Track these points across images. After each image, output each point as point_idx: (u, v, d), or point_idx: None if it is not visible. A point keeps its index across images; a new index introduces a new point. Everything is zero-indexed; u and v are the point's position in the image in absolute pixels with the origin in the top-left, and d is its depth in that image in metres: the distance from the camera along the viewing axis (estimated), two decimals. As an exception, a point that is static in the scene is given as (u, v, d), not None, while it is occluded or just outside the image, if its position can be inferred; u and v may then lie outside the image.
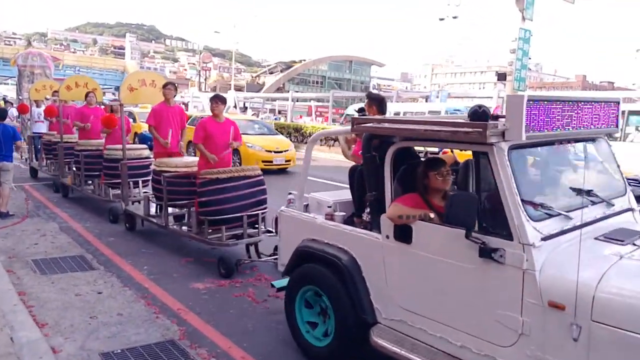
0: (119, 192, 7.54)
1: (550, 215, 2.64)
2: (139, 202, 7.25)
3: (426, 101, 30.16)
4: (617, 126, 3.25)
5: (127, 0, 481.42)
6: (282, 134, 18.63)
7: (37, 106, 12.05)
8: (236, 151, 11.26)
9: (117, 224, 7.29)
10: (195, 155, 11.59)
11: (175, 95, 6.88)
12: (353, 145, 4.52)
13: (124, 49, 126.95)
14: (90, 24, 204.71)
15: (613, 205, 3.02)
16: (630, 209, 3.19)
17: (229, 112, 18.94)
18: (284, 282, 3.85)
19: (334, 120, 24.89)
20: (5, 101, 20.85)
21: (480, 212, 2.58)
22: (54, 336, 3.75)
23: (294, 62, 76.68)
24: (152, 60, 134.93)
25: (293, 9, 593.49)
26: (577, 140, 3.15)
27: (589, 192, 2.86)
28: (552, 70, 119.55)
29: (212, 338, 3.84)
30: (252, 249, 5.61)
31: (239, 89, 54.93)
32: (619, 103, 3.25)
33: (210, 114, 6.03)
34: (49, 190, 9.81)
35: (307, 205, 4.08)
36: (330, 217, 3.56)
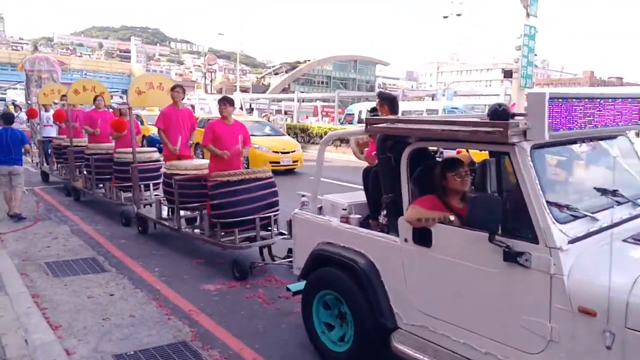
0: (130, 195, 7.55)
1: (576, 217, 2.56)
2: (151, 205, 7.24)
3: (432, 99, 29.99)
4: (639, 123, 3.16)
5: (132, 4, 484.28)
6: (289, 134, 18.61)
7: (46, 110, 12.10)
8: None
9: (130, 227, 7.29)
10: (202, 158, 11.63)
11: (183, 98, 6.85)
12: (366, 149, 4.45)
13: (129, 52, 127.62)
14: (95, 28, 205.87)
15: (639, 205, 2.93)
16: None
17: (235, 114, 18.92)
18: (300, 285, 3.79)
19: (340, 121, 24.80)
20: (15, 105, 20.98)
21: (503, 215, 2.50)
22: (67, 338, 3.79)
23: (299, 62, 76.63)
24: (158, 63, 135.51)
25: (295, 9, 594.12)
26: (599, 139, 3.06)
27: (614, 192, 2.78)
28: (559, 66, 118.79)
29: (224, 339, 3.85)
30: (265, 251, 5.57)
31: (244, 90, 54.95)
32: (641, 99, 3.16)
33: (218, 116, 5.99)
34: (60, 194, 9.85)
35: (320, 208, 4.02)
36: (345, 219, 3.50)
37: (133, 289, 4.84)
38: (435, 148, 3.63)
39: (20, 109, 18.58)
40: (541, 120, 2.39)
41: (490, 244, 2.48)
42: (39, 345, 3.55)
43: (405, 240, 2.97)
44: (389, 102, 4.17)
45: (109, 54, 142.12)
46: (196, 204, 6.04)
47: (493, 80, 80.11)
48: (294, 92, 43.93)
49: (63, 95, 10.35)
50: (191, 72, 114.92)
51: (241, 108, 29.75)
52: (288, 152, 13.30)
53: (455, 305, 2.78)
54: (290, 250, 5.40)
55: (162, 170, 6.74)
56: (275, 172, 5.75)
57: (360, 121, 22.26)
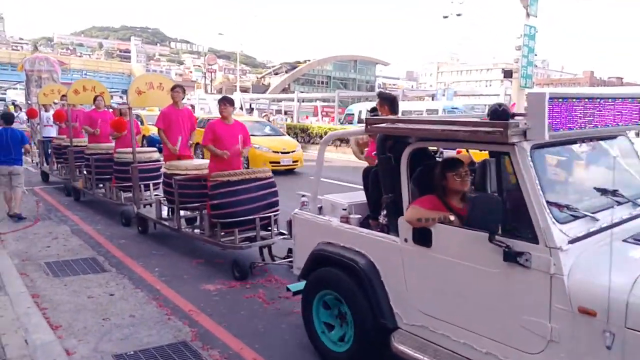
0: (130, 195, 7.55)
1: (576, 217, 2.56)
2: (151, 205, 7.24)
3: (432, 99, 29.98)
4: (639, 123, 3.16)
5: (132, 4, 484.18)
6: (289, 134, 18.61)
7: (46, 110, 12.10)
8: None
9: (130, 227, 7.29)
10: (202, 157, 11.62)
11: (183, 98, 6.85)
12: (366, 149, 4.45)
13: (129, 52, 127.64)
14: (95, 28, 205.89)
15: (639, 205, 2.93)
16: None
17: (235, 114, 18.92)
18: (300, 285, 3.79)
19: (340, 121, 24.82)
20: (15, 105, 20.98)
21: (503, 215, 2.50)
22: (67, 338, 3.79)
23: (299, 62, 76.64)
24: (158, 63, 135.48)
25: (295, 9, 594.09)
26: (599, 139, 3.06)
27: (614, 192, 2.78)
28: (559, 66, 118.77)
29: (224, 339, 3.86)
30: (265, 251, 5.57)
31: (244, 90, 54.94)
32: (641, 99, 3.16)
33: (218, 116, 5.99)
34: (60, 194, 9.85)
35: (320, 208, 4.02)
36: (345, 219, 3.50)
37: (133, 289, 4.85)
38: (435, 148, 3.63)
39: (21, 109, 18.58)
40: (541, 120, 2.39)
41: (490, 244, 2.48)
42: (39, 345, 3.56)
43: (405, 240, 2.97)
44: (389, 102, 4.17)
45: (109, 54, 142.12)
46: (196, 204, 6.03)
47: (493, 80, 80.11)
48: (294, 92, 43.95)
49: (63, 95, 10.35)
50: (191, 72, 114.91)
51: (241, 108, 29.75)
52: (288, 152, 13.32)
53: (455, 306, 2.78)
54: (290, 250, 5.40)
55: (162, 170, 6.74)
56: (275, 172, 5.75)
57: (360, 121, 22.27)
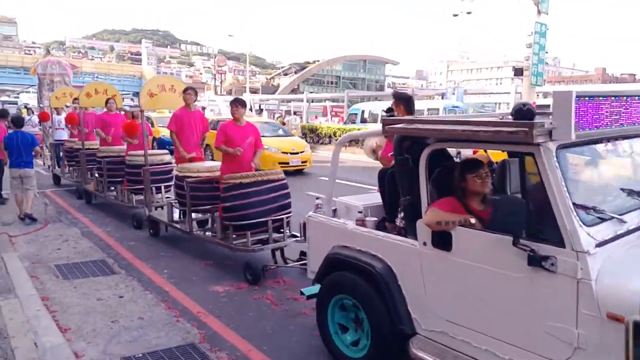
0: (141, 197, 7.53)
1: (603, 219, 2.46)
2: (162, 207, 7.22)
3: (442, 98, 29.78)
4: None
5: (142, 7, 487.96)
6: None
7: (58, 114, 12.17)
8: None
9: (141, 229, 7.27)
10: (212, 159, 11.61)
11: (195, 100, 6.82)
12: (380, 151, 4.36)
13: (140, 55, 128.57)
14: (106, 31, 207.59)
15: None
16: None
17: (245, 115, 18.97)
18: (314, 289, 3.73)
19: (344, 122, 24.81)
20: (27, 109, 21.16)
21: (527, 217, 2.42)
22: (76, 341, 3.79)
23: (308, 63, 76.65)
24: (169, 65, 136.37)
25: (305, 9, 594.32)
26: (624, 137, 2.96)
27: (641, 193, 2.68)
28: (571, 64, 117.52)
29: (232, 341, 3.84)
30: (277, 254, 5.51)
31: (254, 91, 55.10)
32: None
33: (228, 117, 5.95)
34: (71, 197, 9.88)
35: (334, 210, 3.95)
36: (361, 222, 3.42)
37: (142, 291, 4.85)
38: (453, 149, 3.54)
39: (33, 112, 18.73)
40: (567, 120, 2.30)
41: (514, 247, 2.40)
42: (49, 348, 3.57)
43: (424, 243, 2.89)
44: (404, 101, 4.09)
45: (120, 56, 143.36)
46: (208, 207, 5.99)
47: (503, 78, 79.45)
48: (303, 92, 43.95)
49: (75, 99, 10.40)
50: (201, 73, 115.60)
51: (250, 109, 29.81)
52: (297, 153, 13.30)
53: (476, 311, 2.70)
54: (302, 253, 5.35)
55: (174, 172, 6.71)
56: (284, 173, 5.71)
57: (363, 120, 22.39)
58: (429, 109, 19.49)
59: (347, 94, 31.64)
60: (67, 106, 11.80)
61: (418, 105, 22.04)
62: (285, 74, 76.74)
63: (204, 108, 23.31)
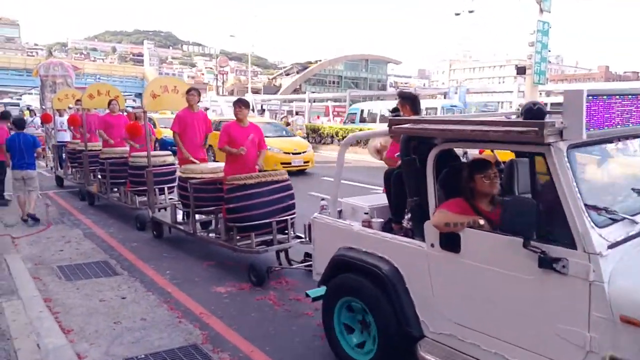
0: (145, 199, 7.51)
1: (615, 220, 2.42)
2: (165, 209, 7.19)
3: (445, 97, 29.70)
4: None
5: (144, 8, 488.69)
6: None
7: (60, 115, 12.15)
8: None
9: (144, 231, 7.25)
10: (214, 160, 11.58)
11: (198, 101, 6.79)
12: (385, 152, 4.32)
13: (142, 56, 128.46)
14: (108, 33, 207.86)
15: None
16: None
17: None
18: (320, 291, 3.68)
19: (344, 122, 24.88)
20: (30, 110, 21.20)
21: (538, 219, 2.37)
22: (79, 342, 3.79)
23: (310, 62, 76.63)
24: (171, 66, 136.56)
25: (307, 9, 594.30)
26: (635, 137, 2.91)
27: (653, 193, 2.64)
28: (573, 62, 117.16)
29: (234, 342, 3.83)
30: (282, 255, 5.48)
31: (256, 91, 55.08)
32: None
33: (232, 118, 5.92)
34: (73, 198, 9.88)
35: (340, 211, 3.91)
36: (367, 224, 3.38)
37: (144, 292, 4.84)
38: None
39: (35, 113, 18.76)
40: (579, 119, 2.26)
41: (524, 249, 2.37)
42: (51, 349, 3.57)
43: (432, 245, 2.85)
44: (410, 101, 4.04)
45: (122, 57, 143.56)
46: (212, 208, 5.96)
47: (506, 77, 79.26)
48: (305, 92, 43.93)
49: (77, 100, 10.39)
50: (203, 74, 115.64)
51: (252, 110, 29.80)
52: (299, 153, 13.30)
53: (486, 313, 2.66)
54: (307, 254, 5.32)
55: (177, 174, 6.69)
56: (287, 173, 5.67)
57: (362, 120, 22.48)
58: (427, 108, 19.44)
59: (349, 94, 31.58)
60: (69, 107, 11.79)
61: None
62: (287, 74, 76.75)
63: (207, 109, 23.30)
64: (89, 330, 3.99)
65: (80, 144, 9.93)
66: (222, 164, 6.09)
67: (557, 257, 2.32)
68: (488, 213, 2.79)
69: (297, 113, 38.78)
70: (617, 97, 2.49)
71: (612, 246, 2.30)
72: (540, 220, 2.38)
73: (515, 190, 2.93)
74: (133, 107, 12.08)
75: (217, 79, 67.34)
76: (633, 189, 2.70)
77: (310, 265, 4.92)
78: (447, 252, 2.78)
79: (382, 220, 3.44)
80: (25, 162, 7.55)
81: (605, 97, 2.40)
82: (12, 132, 8.05)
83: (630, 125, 2.60)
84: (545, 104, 2.88)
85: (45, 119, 13.36)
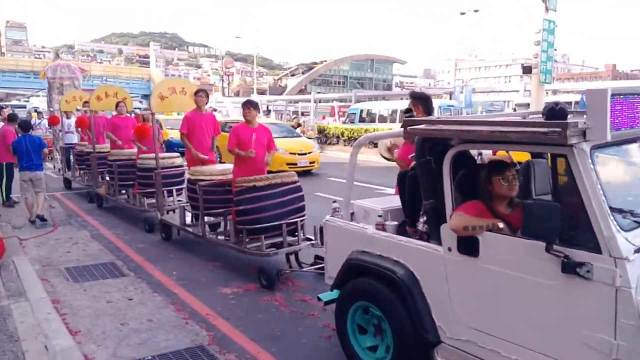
0: (153, 201, 7.48)
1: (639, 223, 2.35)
2: (174, 211, 7.16)
3: (450, 97, 29.57)
4: None
5: (150, 10, 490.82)
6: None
7: (68, 117, 12.18)
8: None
9: (153, 233, 7.22)
10: (220, 161, 11.54)
11: (207, 103, 6.75)
12: (396, 150, 4.26)
13: (148, 57, 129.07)
14: (115, 35, 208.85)
15: None
16: None
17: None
18: (332, 295, 3.63)
19: (344, 121, 25.01)
20: (38, 113, 21.30)
21: (561, 222, 2.30)
22: (86, 343, 3.79)
23: (315, 63, 76.65)
24: (176, 68, 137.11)
25: (312, 9, 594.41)
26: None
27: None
28: (580, 60, 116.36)
29: (241, 343, 3.82)
30: (292, 258, 5.43)
31: (261, 92, 55.15)
32: None
33: (238, 119, 5.87)
34: (81, 200, 9.89)
35: (352, 214, 3.85)
36: (381, 227, 3.32)
37: (151, 293, 4.84)
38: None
39: (43, 116, 18.83)
40: (603, 120, 2.19)
41: (546, 254, 2.29)
42: (59, 351, 3.57)
43: (449, 249, 2.79)
44: (422, 101, 3.98)
45: (129, 59, 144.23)
46: (221, 210, 5.91)
47: (512, 76, 78.87)
48: (310, 93, 43.90)
49: (85, 102, 10.39)
50: (209, 75, 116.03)
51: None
52: (305, 154, 13.26)
53: (506, 319, 2.59)
54: (317, 257, 5.26)
55: (186, 175, 6.65)
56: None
57: (362, 120, 22.61)
58: None
59: (355, 94, 31.54)
60: (77, 109, 11.80)
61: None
62: (293, 75, 76.80)
63: (215, 110, 23.34)
64: (96, 332, 3.99)
65: (88, 146, 9.93)
66: (230, 166, 6.04)
67: (581, 262, 2.24)
68: (507, 216, 2.72)
69: (302, 114, 38.79)
70: (642, 96, 2.41)
71: (638, 250, 2.22)
72: (563, 224, 2.31)
73: (533, 192, 2.85)
74: (141, 109, 12.06)
75: (222, 80, 67.55)
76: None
77: (320, 268, 4.86)
78: (465, 256, 2.71)
79: (396, 223, 3.38)
80: (33, 163, 7.61)
81: (629, 95, 2.34)
82: (19, 135, 8.07)
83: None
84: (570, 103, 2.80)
85: (53, 121, 13.39)
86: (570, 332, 2.33)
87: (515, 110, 25.81)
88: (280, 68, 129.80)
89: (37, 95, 38.37)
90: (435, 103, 20.79)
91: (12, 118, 9.01)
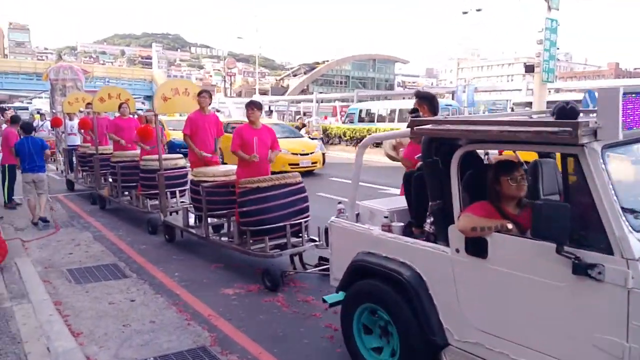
0: (156, 202, 7.46)
1: (653, 224, 2.30)
2: (177, 212, 7.14)
3: (452, 96, 29.50)
4: None
5: (152, 11, 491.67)
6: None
7: (70, 119, 12.18)
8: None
9: (156, 234, 7.20)
10: (222, 162, 11.52)
11: (210, 103, 6.72)
12: (402, 149, 4.22)
13: (151, 58, 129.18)
14: (117, 36, 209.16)
15: None
16: None
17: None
18: (337, 297, 3.59)
19: (343, 121, 25.11)
20: (40, 114, 21.32)
21: (571, 223, 2.26)
22: (88, 345, 3.78)
23: (317, 63, 76.59)
24: (179, 69, 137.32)
25: (314, 9, 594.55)
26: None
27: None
28: (583, 59, 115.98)
29: (243, 344, 3.82)
30: (296, 259, 5.40)
31: (263, 92, 55.22)
32: None
33: (240, 120, 5.85)
34: (83, 201, 9.88)
35: (357, 215, 3.82)
36: (387, 228, 3.28)
37: (153, 295, 4.84)
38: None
39: (46, 117, 18.84)
40: (614, 119, 2.15)
41: (556, 255, 2.26)
42: (61, 352, 3.57)
43: (457, 250, 2.75)
44: (427, 101, 3.94)
45: (131, 60, 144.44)
46: (224, 211, 5.89)
47: (515, 75, 78.69)
48: (312, 93, 43.89)
49: (88, 103, 10.39)
50: (211, 76, 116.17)
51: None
52: (307, 154, 13.24)
53: (515, 321, 2.55)
54: (321, 258, 5.23)
55: (189, 177, 6.63)
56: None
57: (361, 120, 22.66)
58: None
59: (357, 94, 31.51)
60: (80, 111, 11.80)
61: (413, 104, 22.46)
62: (295, 75, 76.78)
63: (218, 111, 23.37)
64: (98, 333, 3.98)
65: (90, 148, 9.93)
66: (234, 167, 6.02)
67: (592, 263, 2.21)
68: (515, 216, 2.68)
69: (304, 114, 38.77)
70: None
71: (651, 251, 2.18)
72: (573, 225, 2.28)
73: (541, 192, 2.82)
74: (144, 110, 12.05)
75: (224, 81, 67.51)
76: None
77: (325, 270, 4.84)
78: (473, 257, 2.67)
79: (402, 224, 3.34)
80: (36, 165, 7.62)
81: (640, 94, 2.29)
82: (21, 136, 8.07)
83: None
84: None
85: (56, 123, 13.40)
86: (580, 334, 2.29)
87: (512, 110, 25.76)
88: (283, 68, 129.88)
89: (39, 97, 38.46)
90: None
91: (14, 120, 9.02)
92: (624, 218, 2.18)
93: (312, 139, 16.15)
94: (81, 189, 10.77)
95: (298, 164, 12.61)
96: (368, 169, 12.44)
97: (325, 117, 34.66)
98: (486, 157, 3.50)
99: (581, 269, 2.23)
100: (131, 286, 5.06)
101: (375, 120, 22.17)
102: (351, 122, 22.93)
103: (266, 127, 5.88)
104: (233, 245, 5.63)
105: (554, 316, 2.39)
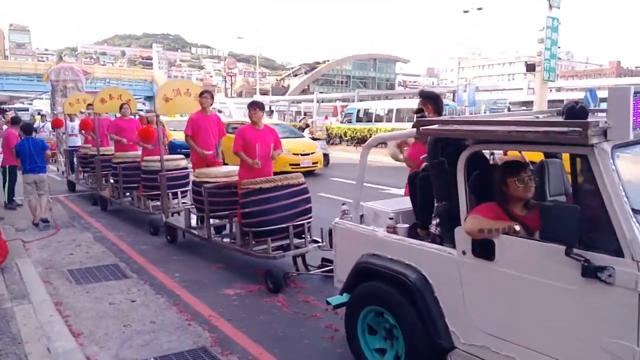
0: (158, 203, 7.43)
1: (664, 226, 2.26)
2: (179, 213, 7.10)
3: (453, 96, 29.45)
4: None
5: (153, 12, 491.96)
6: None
7: (71, 120, 12.16)
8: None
9: (157, 235, 7.17)
10: (224, 163, 11.50)
11: (212, 104, 6.68)
12: (406, 148, 4.18)
13: (151, 59, 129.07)
14: (118, 37, 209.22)
15: None
16: None
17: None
18: (341, 299, 3.56)
19: (341, 121, 25.21)
20: (41, 115, 21.30)
21: (581, 225, 2.23)
22: (89, 345, 3.78)
23: (318, 63, 76.56)
24: (179, 69, 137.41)
25: (315, 9, 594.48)
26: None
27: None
28: (584, 58, 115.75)
29: (243, 344, 3.81)
30: (299, 260, 5.36)
31: (264, 93, 55.21)
32: None
33: (241, 120, 5.81)
34: (83, 202, 9.86)
35: (362, 216, 3.78)
36: (392, 229, 3.25)
37: (154, 295, 4.83)
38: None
39: (46, 118, 18.82)
40: (625, 118, 2.12)
41: (565, 257, 2.22)
42: (62, 353, 3.56)
43: (464, 252, 2.71)
44: (432, 100, 3.91)
45: (132, 61, 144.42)
46: (227, 212, 5.85)
47: (516, 74, 78.57)
48: (313, 93, 43.86)
49: (89, 104, 10.37)
50: (212, 76, 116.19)
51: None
52: (308, 154, 13.21)
53: (522, 324, 2.52)
54: (324, 260, 5.20)
55: (191, 177, 6.60)
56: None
57: (359, 119, 22.64)
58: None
59: (358, 94, 31.48)
60: (81, 112, 11.78)
61: (411, 104, 22.31)
62: (295, 75, 76.76)
63: (220, 111, 23.33)
64: (98, 334, 3.97)
65: (91, 149, 9.90)
66: (236, 168, 5.98)
67: (602, 266, 2.17)
68: (523, 218, 2.65)
69: (305, 114, 38.75)
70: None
71: (661, 254, 2.14)
72: (583, 226, 2.24)
73: (547, 192, 2.78)
74: (145, 111, 12.03)
75: (225, 81, 67.50)
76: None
77: (328, 271, 4.80)
78: (480, 259, 2.64)
79: (407, 225, 3.31)
80: (37, 165, 7.61)
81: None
82: (22, 137, 8.05)
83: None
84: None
85: (56, 124, 13.37)
86: (589, 338, 2.26)
87: (509, 109, 25.70)
88: (283, 68, 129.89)
89: (40, 98, 38.47)
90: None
91: (15, 121, 9.02)
92: (634, 220, 2.14)
93: (316, 139, 16.09)
94: (82, 189, 10.75)
95: (299, 164, 12.59)
96: (371, 169, 12.42)
97: (326, 117, 34.63)
98: (491, 157, 3.47)
99: (591, 272, 2.19)
100: (132, 287, 5.05)
101: (373, 120, 22.20)
102: (349, 122, 23.05)
103: (268, 127, 5.85)
104: (235, 246, 5.60)
105: (563, 319, 2.35)
